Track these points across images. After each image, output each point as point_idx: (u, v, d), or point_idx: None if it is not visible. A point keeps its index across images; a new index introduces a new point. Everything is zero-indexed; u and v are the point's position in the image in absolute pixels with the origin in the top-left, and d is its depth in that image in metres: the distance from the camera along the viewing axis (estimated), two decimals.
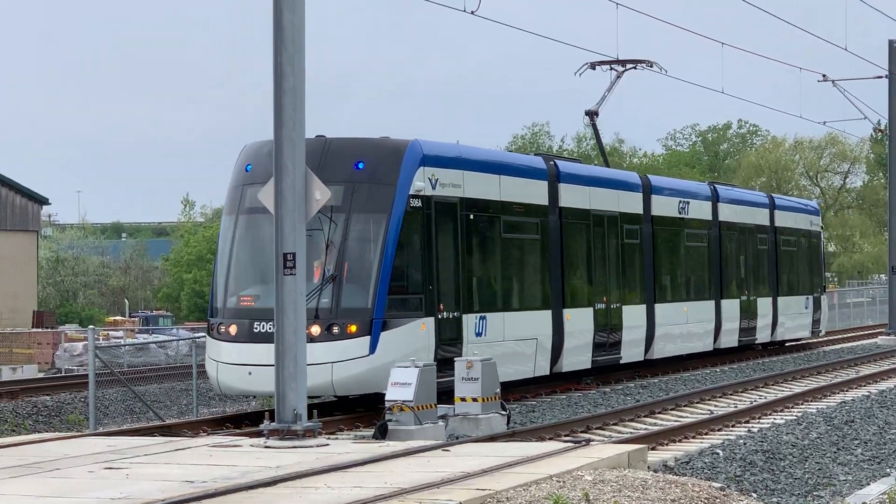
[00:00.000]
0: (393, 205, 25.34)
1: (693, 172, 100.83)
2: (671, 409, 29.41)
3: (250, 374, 24.66)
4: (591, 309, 33.68)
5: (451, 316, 26.90)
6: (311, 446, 20.06)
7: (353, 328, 24.64)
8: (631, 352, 35.69)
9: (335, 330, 24.55)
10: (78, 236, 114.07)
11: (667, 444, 23.80)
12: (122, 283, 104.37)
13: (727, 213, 43.10)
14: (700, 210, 41.03)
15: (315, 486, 16.37)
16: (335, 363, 24.38)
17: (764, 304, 45.71)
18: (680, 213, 39.57)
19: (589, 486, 16.13)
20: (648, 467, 19.30)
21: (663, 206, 38.36)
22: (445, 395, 24.36)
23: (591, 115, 39.65)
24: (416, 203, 25.78)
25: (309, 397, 22.88)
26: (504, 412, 24.79)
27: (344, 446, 20.75)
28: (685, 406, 30.26)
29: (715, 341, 41.54)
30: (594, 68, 40.06)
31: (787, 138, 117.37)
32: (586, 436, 24.09)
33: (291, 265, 20.37)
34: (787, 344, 49.68)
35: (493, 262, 29.69)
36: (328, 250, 25.04)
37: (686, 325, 39.37)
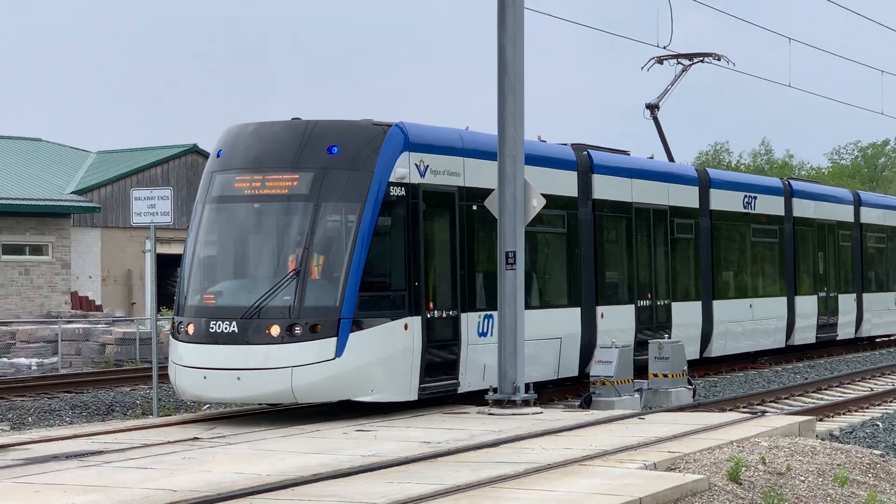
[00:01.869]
0: (368, 193, 19.54)
1: (854, 183, 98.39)
2: (836, 386, 28.75)
3: (205, 378, 19.01)
4: (632, 306, 27.40)
5: (444, 315, 21.00)
6: (528, 414, 20.11)
7: (318, 328, 18.79)
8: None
9: (297, 330, 18.69)
10: None
11: (832, 417, 23.31)
12: None
13: (803, 208, 36.20)
14: (770, 205, 34.51)
15: (531, 448, 16.39)
16: (295, 367, 18.58)
17: (846, 301, 38.49)
18: (745, 207, 33.10)
19: (765, 451, 15.91)
20: (817, 436, 18.98)
21: (724, 201, 31.96)
22: (434, 402, 20.85)
23: (652, 108, 33.19)
24: (399, 191, 20.01)
25: (270, 405, 20.52)
26: (690, 387, 24.49)
27: (555, 414, 20.72)
28: (848, 384, 29.50)
29: (788, 338, 34.78)
30: (661, 63, 33.46)
31: None
32: (761, 408, 23.81)
33: (512, 262, 20.60)
34: (876, 340, 42.62)
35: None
36: (294, 243, 19.59)
37: (752, 321, 32.75)
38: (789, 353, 35.35)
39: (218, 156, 20.57)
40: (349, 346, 18.88)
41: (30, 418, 23.44)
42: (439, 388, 20.54)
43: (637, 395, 23.33)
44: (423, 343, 20.01)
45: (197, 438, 17.56)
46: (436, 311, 20.68)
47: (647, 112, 33.24)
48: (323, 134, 19.93)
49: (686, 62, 33.94)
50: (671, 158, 33.47)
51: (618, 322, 26.48)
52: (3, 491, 13.61)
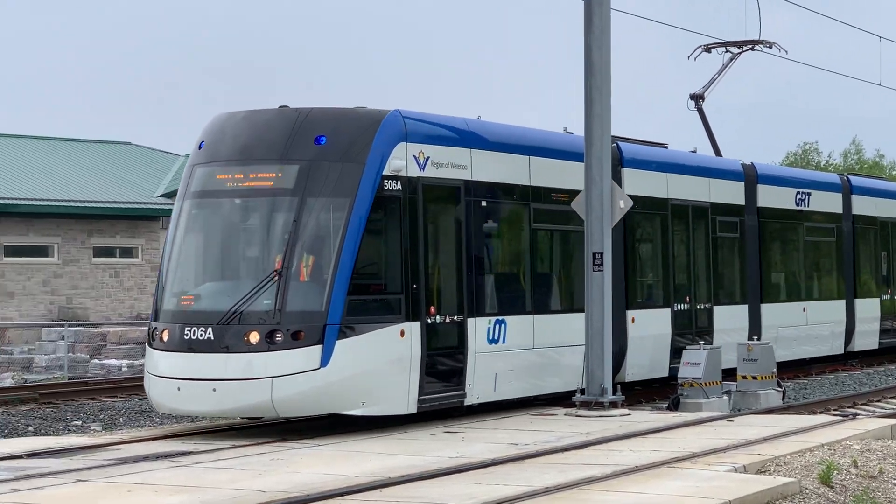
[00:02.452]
0: (359, 187, 17.80)
1: None
2: None
3: (179, 389, 17.56)
4: (667, 310, 25.47)
5: (448, 320, 19.29)
6: (615, 416, 20.32)
7: (301, 335, 17.22)
8: (727, 357, 25.17)
9: (278, 338, 17.15)
10: None
11: None
12: None
13: (863, 205, 33.81)
14: (827, 202, 32.28)
15: (619, 450, 16.61)
16: (276, 378, 17.06)
17: None
18: (798, 204, 30.93)
19: (857, 454, 15.95)
20: None
21: (774, 197, 29.78)
22: (435, 415, 19.47)
23: (697, 98, 30.82)
24: (394, 185, 18.25)
25: (249, 419, 19.20)
26: (779, 389, 24.51)
27: (643, 416, 20.93)
28: None
29: (847, 344, 32.49)
30: (709, 51, 30.93)
31: None
32: (853, 410, 23.81)
33: (600, 263, 20.75)
34: None
35: (516, 257, 21.88)
36: (277, 242, 18.00)
37: (806, 326, 30.49)
38: (849, 360, 33.36)
39: (200, 147, 18.95)
40: (336, 354, 17.38)
41: (121, 419, 23.92)
42: (442, 401, 19.08)
43: (725, 398, 23.37)
44: (422, 351, 18.46)
45: (285, 440, 17.86)
46: (437, 317, 19.03)
47: (692, 103, 31.11)
48: (312, 123, 18.29)
49: (735, 50, 31.80)
50: (718, 152, 31.35)
51: (651, 327, 24.89)
52: (96, 490, 13.95)
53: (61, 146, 60.53)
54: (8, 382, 32.66)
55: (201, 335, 17.38)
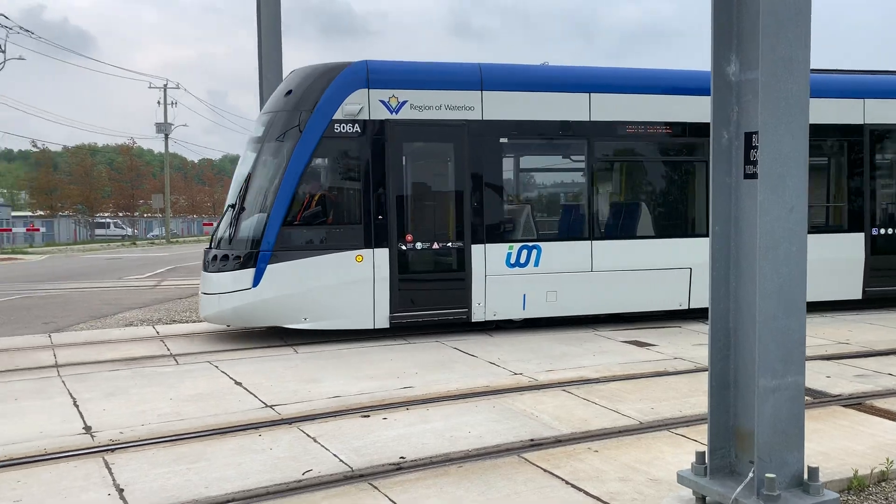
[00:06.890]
0: (304, 131, 17.10)
1: None
2: None
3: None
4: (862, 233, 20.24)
5: (438, 246, 17.77)
6: None
7: (240, 259, 17.17)
8: None
9: (228, 261, 17.26)
10: None
11: None
12: None
13: None
14: None
15: None
16: (222, 294, 17.27)
17: None
18: None
19: None
20: None
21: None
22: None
23: None
24: (348, 128, 17.12)
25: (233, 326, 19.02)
26: None
27: None
28: None
29: None
30: None
31: None
32: None
33: None
34: None
35: (552, 189, 19.39)
36: (242, 182, 17.69)
37: None
38: None
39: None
40: (266, 277, 17.12)
41: None
42: (427, 317, 17.91)
43: None
44: (391, 274, 17.52)
45: None
46: (418, 244, 17.67)
47: None
48: (291, 79, 18.19)
49: None
50: None
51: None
52: None
53: None
54: None
55: (203, 258, 18.21)
